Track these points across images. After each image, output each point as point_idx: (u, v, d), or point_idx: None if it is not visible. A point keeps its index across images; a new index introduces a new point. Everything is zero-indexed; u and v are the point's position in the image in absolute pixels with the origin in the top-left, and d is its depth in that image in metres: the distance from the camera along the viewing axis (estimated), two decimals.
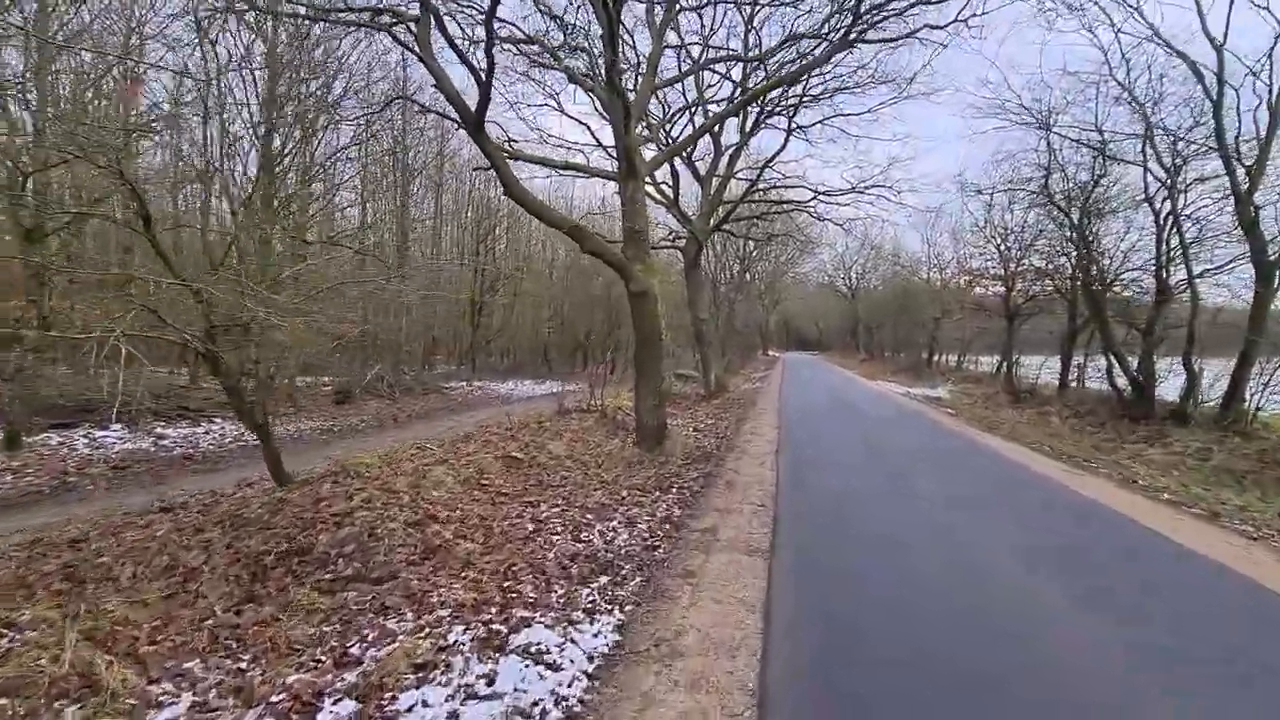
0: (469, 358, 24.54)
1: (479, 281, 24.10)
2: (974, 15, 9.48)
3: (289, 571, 4.08)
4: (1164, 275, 12.34)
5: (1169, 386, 12.49)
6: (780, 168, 18.81)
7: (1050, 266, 16.91)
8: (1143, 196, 12.70)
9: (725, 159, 17.66)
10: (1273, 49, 9.55)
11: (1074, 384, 16.04)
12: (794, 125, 15.87)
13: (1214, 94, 10.11)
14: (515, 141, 10.78)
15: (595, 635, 3.37)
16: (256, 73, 12.21)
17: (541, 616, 3.58)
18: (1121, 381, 13.04)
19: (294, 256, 12.94)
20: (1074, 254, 16.13)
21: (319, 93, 14.45)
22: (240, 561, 4.15)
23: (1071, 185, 13.30)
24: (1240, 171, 9.93)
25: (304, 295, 5.70)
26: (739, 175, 18.08)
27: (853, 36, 8.90)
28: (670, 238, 20.08)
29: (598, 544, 4.97)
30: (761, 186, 17.75)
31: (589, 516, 5.67)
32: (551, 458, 8.16)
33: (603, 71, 8.10)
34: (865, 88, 15.38)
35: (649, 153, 12.38)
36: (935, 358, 30.50)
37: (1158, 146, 11.49)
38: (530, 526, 5.37)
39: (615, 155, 9.49)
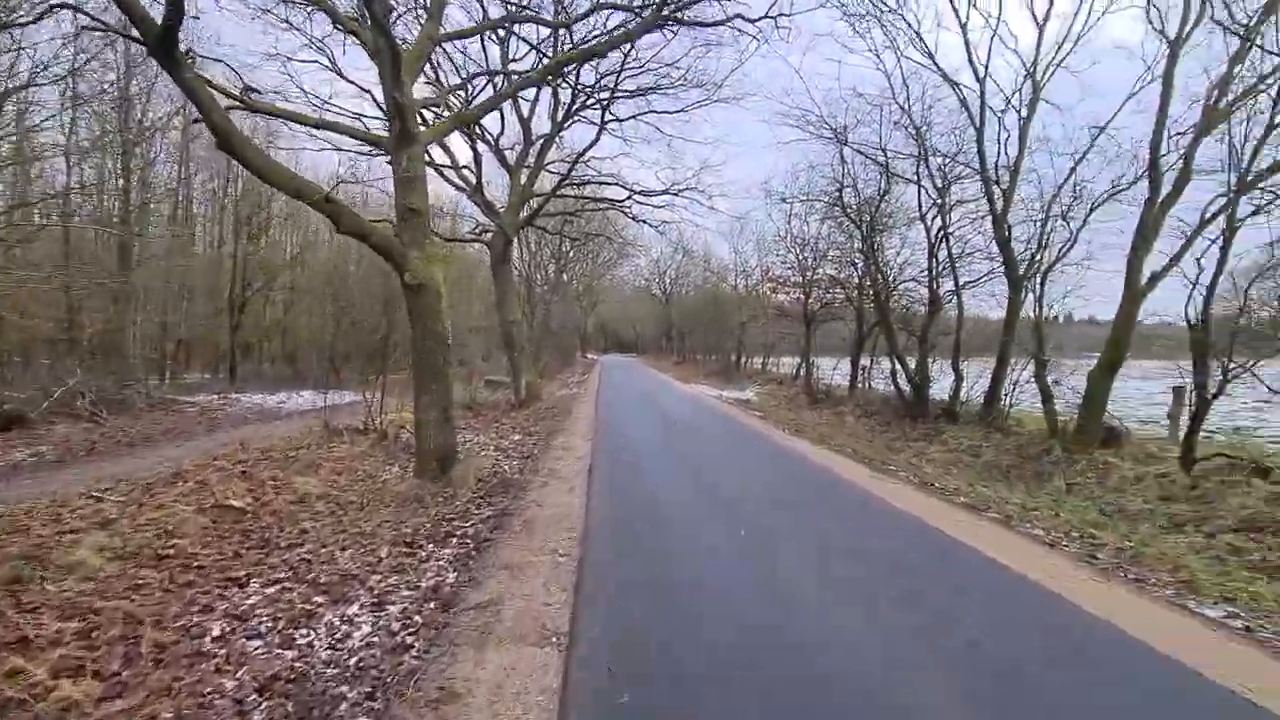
0: (226, 365, 20.24)
1: (240, 272, 19.97)
2: (782, 15, 9.35)
3: None
4: (935, 286, 13.58)
5: (941, 387, 13.79)
6: (596, 165, 18.02)
7: (842, 275, 18.23)
8: (917, 214, 13.90)
9: (536, 149, 16.41)
10: (1021, 86, 10.81)
11: (862, 385, 17.37)
12: (607, 117, 15.12)
13: (977, 122, 11.22)
14: (258, 93, 8.39)
15: None
16: None
17: None
18: (903, 383, 14.14)
19: None
20: (862, 264, 17.50)
21: None
22: None
23: (862, 200, 14.24)
24: (997, 194, 11.10)
25: None
26: (551, 167, 16.91)
27: (665, 13, 8.15)
28: (477, 231, 18.27)
29: (319, 650, 3.37)
30: (575, 181, 16.76)
31: (320, 598, 4.00)
32: (295, 500, 6.20)
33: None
34: (678, 89, 15.13)
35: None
36: (743, 360, 32.17)
37: (931, 167, 12.60)
38: (216, 629, 3.57)
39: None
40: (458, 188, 15.07)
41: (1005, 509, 6.67)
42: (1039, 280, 10.39)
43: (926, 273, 13.83)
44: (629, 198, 17.28)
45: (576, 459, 8.88)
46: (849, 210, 14.54)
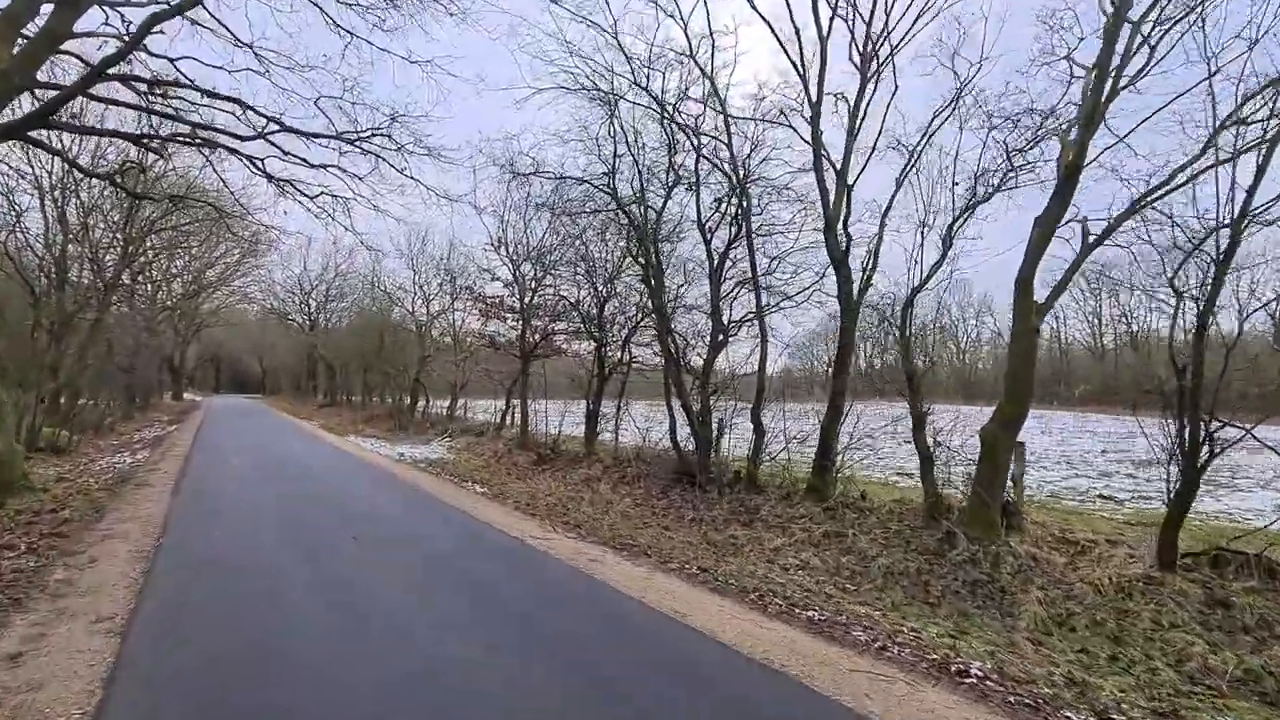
0: None
1: None
2: None
3: None
4: (726, 315, 10.52)
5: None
6: (206, 77, 10.42)
7: (580, 297, 14.26)
8: (695, 220, 10.71)
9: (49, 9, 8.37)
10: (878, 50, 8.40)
11: (613, 439, 13.40)
12: None
13: (814, 93, 8.53)
14: None
15: None
16: None
17: None
18: (683, 437, 10.61)
19: None
20: (601, 284, 13.82)
21: None
22: None
23: (646, 189, 10.41)
24: (834, 191, 8.47)
25: None
26: (81, 42, 8.89)
27: None
28: None
29: None
30: (144, 78, 9.03)
31: None
32: None
33: None
34: None
35: None
36: (424, 405, 25.55)
37: (734, 152, 9.50)
38: None
39: None
40: None
41: None
42: (903, 305, 7.93)
43: (710, 297, 10.68)
44: (261, 135, 10.24)
45: None
46: (624, 204, 10.56)
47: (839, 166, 8.65)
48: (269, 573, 5.35)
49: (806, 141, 8.67)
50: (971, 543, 6.51)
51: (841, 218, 8.43)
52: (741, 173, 9.64)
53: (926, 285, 7.66)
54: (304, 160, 11.41)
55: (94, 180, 18.60)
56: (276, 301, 43.94)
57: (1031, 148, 7.88)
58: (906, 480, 12.38)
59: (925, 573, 6.28)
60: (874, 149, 8.27)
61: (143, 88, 8.98)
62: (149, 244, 19.74)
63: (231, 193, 13.13)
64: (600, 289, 13.94)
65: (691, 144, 9.65)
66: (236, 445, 16.47)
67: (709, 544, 7.61)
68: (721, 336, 10.69)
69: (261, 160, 11.34)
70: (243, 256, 29.07)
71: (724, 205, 10.72)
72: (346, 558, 5.90)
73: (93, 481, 9.79)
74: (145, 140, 9.78)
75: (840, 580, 6.30)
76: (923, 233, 7.54)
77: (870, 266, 8.59)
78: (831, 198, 8.54)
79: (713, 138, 9.69)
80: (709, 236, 10.81)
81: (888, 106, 8.00)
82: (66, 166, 17.16)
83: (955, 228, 7.52)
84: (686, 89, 10.00)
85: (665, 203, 10.49)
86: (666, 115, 9.68)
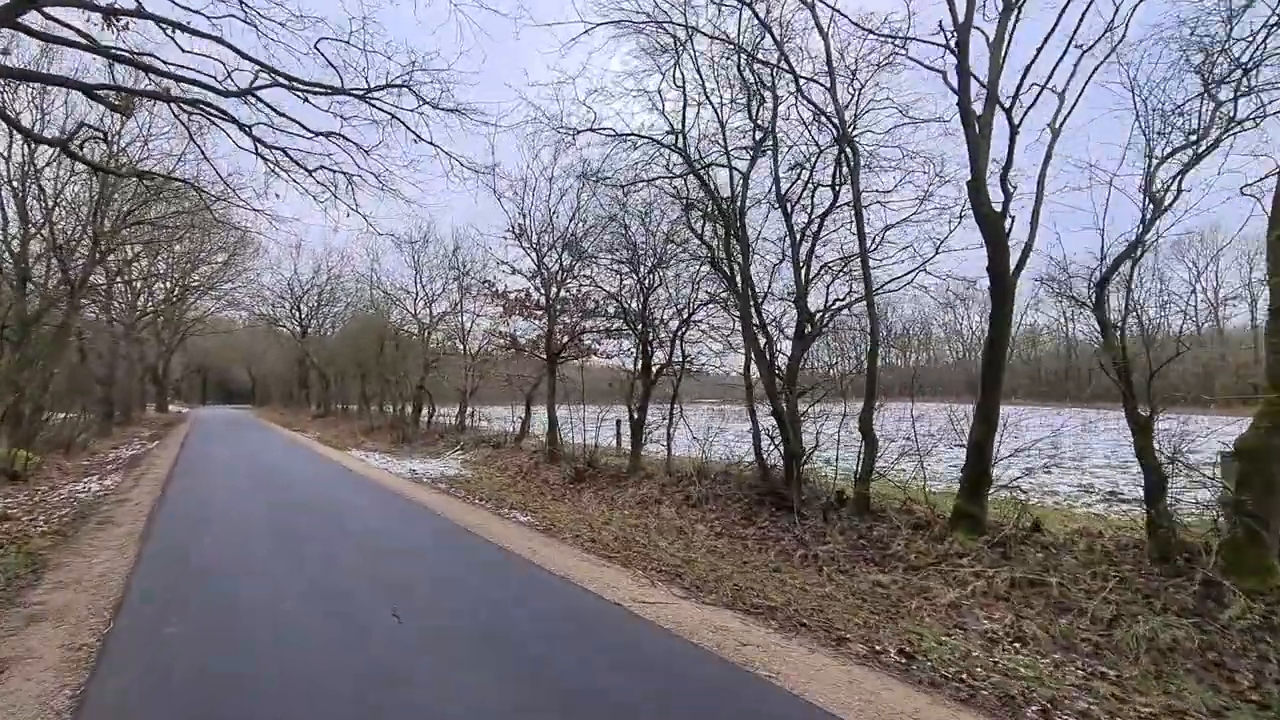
0: None
1: None
2: None
3: None
4: (805, 299, 8.70)
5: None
6: (172, 13, 8.45)
7: (622, 289, 12.41)
8: (772, 186, 8.87)
9: None
10: None
11: (665, 450, 11.50)
12: None
13: (961, 12, 6.75)
14: None
15: None
16: None
17: None
18: (769, 447, 8.80)
19: None
20: (634, 273, 12.00)
21: None
22: None
23: (725, 149, 8.56)
24: (978, 131, 6.66)
25: None
26: None
27: None
28: None
29: None
30: (98, 5, 7.08)
31: None
32: None
33: None
34: None
35: None
36: (426, 414, 23.55)
37: (838, 95, 7.69)
38: None
39: None
40: None
41: None
42: (1100, 279, 6.12)
43: (795, 282, 8.86)
44: (250, 90, 8.34)
45: None
46: (699, 166, 8.70)
47: (1002, 102, 6.77)
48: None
49: (936, 70, 6.82)
50: (1248, 597, 4.72)
51: (1002, 166, 6.63)
52: (847, 123, 7.82)
53: (1142, 250, 5.84)
54: (301, 125, 9.53)
55: (61, 171, 16.64)
56: (266, 307, 41.76)
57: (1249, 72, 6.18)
58: (1014, 496, 10.62)
59: (1207, 647, 4.46)
60: (1049, 80, 6.44)
61: (96, 19, 7.05)
62: (124, 236, 17.69)
63: (218, 173, 11.17)
64: (643, 278, 12.11)
65: (796, 87, 7.78)
66: (227, 458, 14.53)
67: (855, 596, 5.77)
68: (809, 328, 8.88)
69: (250, 127, 9.46)
70: (230, 257, 27.02)
71: (804, 171, 8.96)
72: (391, 651, 4.02)
73: (43, 520, 7.81)
74: (102, 92, 7.81)
75: (1082, 659, 4.48)
76: (1146, 185, 5.73)
77: (1029, 233, 6.80)
78: (979, 144, 6.73)
79: (808, 79, 7.87)
80: (790, 210, 9.02)
81: (1086, 9, 6.16)
82: (26, 151, 15.20)
83: (1181, 175, 5.71)
84: (767, 23, 8.18)
85: (752, 164, 8.64)
86: (747, 53, 7.85)
